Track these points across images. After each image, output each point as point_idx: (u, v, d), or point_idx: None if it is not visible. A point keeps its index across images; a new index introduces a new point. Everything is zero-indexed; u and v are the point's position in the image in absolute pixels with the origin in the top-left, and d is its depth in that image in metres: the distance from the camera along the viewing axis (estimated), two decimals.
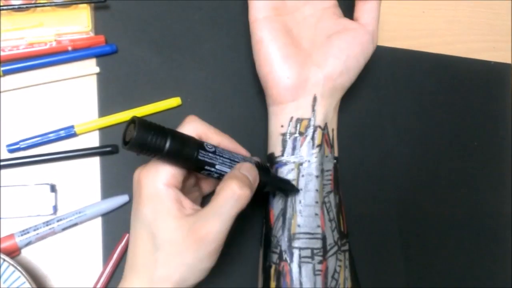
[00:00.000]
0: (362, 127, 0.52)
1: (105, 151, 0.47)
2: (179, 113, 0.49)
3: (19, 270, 0.40)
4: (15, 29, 0.48)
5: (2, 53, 0.47)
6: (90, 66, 0.49)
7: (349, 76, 0.44)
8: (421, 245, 0.51)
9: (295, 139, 0.43)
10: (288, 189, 0.42)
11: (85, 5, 0.49)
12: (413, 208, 0.51)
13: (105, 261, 0.46)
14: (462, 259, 0.51)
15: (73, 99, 0.49)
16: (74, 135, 0.47)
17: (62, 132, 0.47)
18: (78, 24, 0.49)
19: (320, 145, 0.43)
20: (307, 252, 0.41)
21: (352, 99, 0.52)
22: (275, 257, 0.41)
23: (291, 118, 0.43)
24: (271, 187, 0.41)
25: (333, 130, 0.44)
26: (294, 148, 0.43)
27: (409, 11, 0.57)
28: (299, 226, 0.41)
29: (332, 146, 0.44)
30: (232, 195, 0.36)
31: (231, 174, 0.37)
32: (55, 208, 0.46)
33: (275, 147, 0.44)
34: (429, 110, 0.54)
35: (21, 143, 0.46)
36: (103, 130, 0.48)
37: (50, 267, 0.45)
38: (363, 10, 0.45)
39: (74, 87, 0.49)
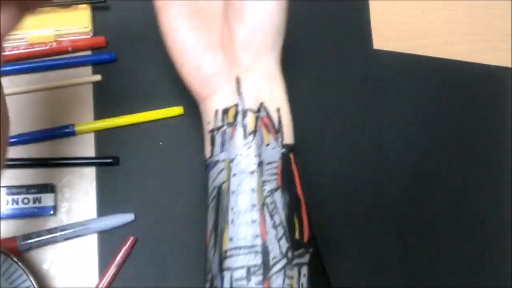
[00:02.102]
0: (362, 132, 0.52)
1: (105, 162, 0.47)
2: (180, 123, 0.49)
3: (22, 268, 0.40)
4: (15, 30, 0.48)
5: (2, 53, 0.47)
6: (88, 73, 0.49)
7: (262, 32, 0.35)
8: (420, 246, 0.51)
9: (224, 133, 0.35)
10: None
11: (85, 5, 0.49)
12: (413, 211, 0.51)
13: (101, 272, 0.46)
14: (461, 260, 0.52)
15: (68, 105, 0.49)
16: (73, 134, 0.47)
17: (61, 129, 0.47)
18: (78, 24, 0.49)
19: (254, 132, 0.34)
20: (241, 273, 0.31)
21: (351, 104, 0.52)
22: (207, 286, 0.33)
23: (216, 111, 0.35)
24: None
25: (278, 109, 0.35)
26: (223, 144, 0.35)
27: (409, 11, 0.57)
28: (231, 240, 0.32)
29: (278, 131, 0.35)
30: None
31: None
32: (54, 209, 0.46)
33: (206, 149, 0.36)
34: (429, 114, 0.54)
35: (20, 137, 0.46)
36: (99, 134, 0.48)
37: (48, 270, 0.46)
38: None
39: (69, 93, 0.49)
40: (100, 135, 0.48)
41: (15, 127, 0.47)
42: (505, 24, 0.58)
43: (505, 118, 0.56)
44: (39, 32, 0.48)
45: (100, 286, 0.45)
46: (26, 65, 0.48)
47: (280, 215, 0.33)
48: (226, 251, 0.32)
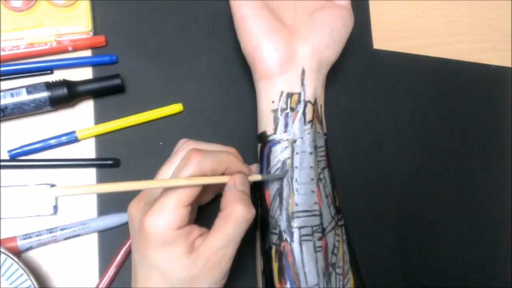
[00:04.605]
0: (362, 132, 0.52)
1: (105, 164, 0.47)
2: (180, 120, 0.49)
3: (22, 268, 0.40)
4: (15, 29, 0.48)
5: (2, 53, 0.47)
6: (88, 73, 0.49)
7: (334, 49, 0.44)
8: (420, 245, 0.51)
9: (287, 115, 0.42)
10: (278, 177, 0.42)
11: (85, 5, 0.49)
12: (412, 211, 0.52)
13: (101, 272, 0.46)
14: (461, 259, 0.52)
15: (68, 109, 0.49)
16: (76, 140, 0.47)
17: (63, 137, 0.47)
18: (78, 24, 0.49)
19: (311, 121, 0.43)
20: (307, 230, 0.41)
21: (352, 103, 0.52)
22: (274, 238, 0.41)
23: (281, 92, 0.42)
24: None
25: (321, 106, 0.44)
26: (286, 125, 0.42)
27: (409, 11, 0.57)
28: (296, 204, 0.41)
29: (321, 122, 0.44)
30: (242, 220, 0.36)
31: (232, 196, 0.37)
32: (55, 208, 0.46)
33: (266, 125, 0.43)
34: (429, 114, 0.54)
35: (23, 148, 0.46)
36: (100, 138, 0.48)
37: (48, 269, 0.46)
38: None
39: None
40: (101, 138, 0.48)
41: (16, 127, 0.47)
42: (505, 24, 0.58)
43: (505, 117, 0.56)
44: (39, 32, 0.48)
45: (100, 286, 0.45)
46: (27, 66, 0.48)
47: (328, 188, 0.42)
48: (293, 213, 0.41)
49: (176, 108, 0.49)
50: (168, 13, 0.52)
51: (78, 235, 0.46)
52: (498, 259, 0.52)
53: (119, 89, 0.48)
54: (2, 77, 0.47)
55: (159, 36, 0.51)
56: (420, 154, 0.53)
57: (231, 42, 0.51)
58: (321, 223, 0.41)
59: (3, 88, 0.47)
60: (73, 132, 0.47)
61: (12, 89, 0.45)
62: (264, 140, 0.43)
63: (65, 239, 0.45)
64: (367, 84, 0.53)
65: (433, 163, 0.53)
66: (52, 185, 0.46)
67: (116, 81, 0.47)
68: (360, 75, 0.53)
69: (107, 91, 0.48)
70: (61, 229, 0.45)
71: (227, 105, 0.50)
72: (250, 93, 0.48)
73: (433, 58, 0.55)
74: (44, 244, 0.45)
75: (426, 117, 0.54)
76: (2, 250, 0.41)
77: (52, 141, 0.47)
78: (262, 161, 0.43)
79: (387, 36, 0.55)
